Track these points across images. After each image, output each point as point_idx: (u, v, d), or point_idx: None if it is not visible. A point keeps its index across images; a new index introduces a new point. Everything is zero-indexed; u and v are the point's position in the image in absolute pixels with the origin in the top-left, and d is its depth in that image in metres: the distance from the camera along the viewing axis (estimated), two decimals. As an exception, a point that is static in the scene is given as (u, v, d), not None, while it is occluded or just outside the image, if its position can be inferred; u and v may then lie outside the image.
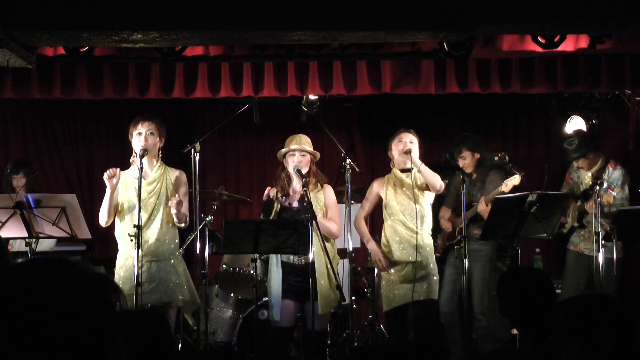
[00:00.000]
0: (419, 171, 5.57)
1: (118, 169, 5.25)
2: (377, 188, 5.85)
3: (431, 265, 5.66)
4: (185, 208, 5.36)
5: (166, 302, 5.24)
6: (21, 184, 6.70)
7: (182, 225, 5.36)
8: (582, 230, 6.48)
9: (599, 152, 6.54)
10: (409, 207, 5.64)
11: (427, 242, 5.68)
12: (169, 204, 5.27)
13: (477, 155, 6.29)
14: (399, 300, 5.63)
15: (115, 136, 7.62)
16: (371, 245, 5.83)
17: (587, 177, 6.49)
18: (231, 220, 6.18)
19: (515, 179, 6.03)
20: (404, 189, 5.69)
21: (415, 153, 5.64)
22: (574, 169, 6.62)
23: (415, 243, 5.58)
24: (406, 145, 5.65)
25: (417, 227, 5.59)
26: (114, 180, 5.20)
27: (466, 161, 6.28)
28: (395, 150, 5.73)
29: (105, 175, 5.20)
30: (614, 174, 6.40)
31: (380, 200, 5.83)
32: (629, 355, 2.14)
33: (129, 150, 5.48)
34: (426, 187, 5.66)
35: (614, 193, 6.12)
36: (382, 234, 5.79)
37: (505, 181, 6.09)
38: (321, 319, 5.40)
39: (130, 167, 5.40)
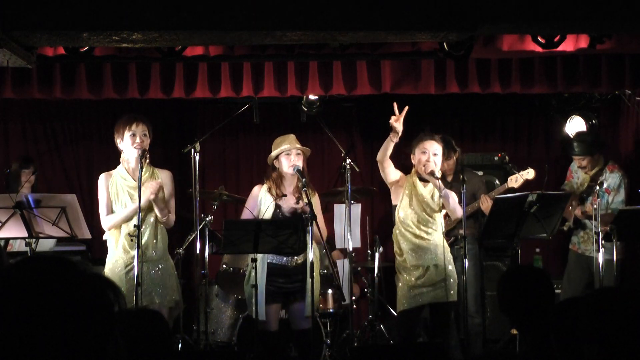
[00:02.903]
0: (441, 196, 5.45)
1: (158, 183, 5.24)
2: (403, 180, 5.63)
3: (449, 267, 5.53)
4: (172, 207, 5.36)
5: (158, 302, 5.24)
6: (30, 180, 6.68)
7: (164, 219, 5.30)
8: (581, 232, 6.48)
9: (601, 156, 6.54)
10: (423, 217, 5.54)
11: (442, 244, 5.55)
12: (148, 188, 5.18)
13: (457, 156, 6.28)
14: (417, 301, 5.51)
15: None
16: (392, 133, 5.41)
17: (586, 179, 6.50)
18: (231, 220, 6.17)
19: (530, 174, 6.05)
20: (420, 199, 5.56)
21: (439, 162, 5.53)
22: (575, 169, 6.63)
23: (429, 248, 5.51)
24: (429, 162, 5.48)
25: (429, 234, 5.51)
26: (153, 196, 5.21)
27: (450, 162, 6.28)
28: (418, 159, 5.55)
29: (153, 189, 5.17)
30: (610, 177, 6.40)
31: (397, 186, 5.64)
32: None
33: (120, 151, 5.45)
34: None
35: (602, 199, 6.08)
36: (394, 241, 5.66)
37: (514, 176, 6.11)
38: (309, 318, 5.41)
39: (117, 169, 5.38)
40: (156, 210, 5.26)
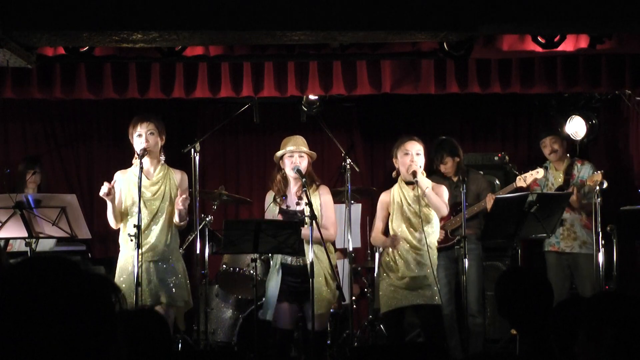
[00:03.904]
0: (425, 195, 5.41)
1: (111, 184, 5.28)
2: (385, 204, 5.66)
3: (434, 273, 5.51)
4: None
5: (166, 302, 5.27)
6: (35, 180, 6.68)
7: (182, 224, 5.39)
8: (560, 228, 6.47)
9: (567, 154, 6.69)
10: (415, 222, 5.50)
11: (432, 252, 5.51)
12: (176, 203, 5.28)
13: (457, 159, 6.29)
14: (398, 303, 5.50)
15: (115, 136, 7.62)
16: (388, 241, 5.56)
17: (559, 177, 6.57)
18: (231, 220, 6.18)
19: (540, 173, 6.10)
20: (410, 202, 5.53)
21: (422, 162, 5.52)
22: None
23: (419, 259, 5.46)
24: (412, 162, 5.46)
25: (422, 242, 5.46)
26: (110, 196, 5.25)
27: (447, 166, 6.28)
28: (402, 162, 5.54)
29: (102, 193, 5.24)
30: (583, 169, 6.53)
31: (389, 215, 5.68)
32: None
33: (129, 150, 5.50)
34: None
35: (598, 172, 6.16)
36: (389, 252, 5.59)
37: (523, 175, 6.12)
38: (320, 319, 5.40)
39: (132, 167, 5.42)
40: (176, 218, 5.33)
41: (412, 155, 5.50)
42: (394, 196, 5.61)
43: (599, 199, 5.99)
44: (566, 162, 6.63)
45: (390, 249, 5.55)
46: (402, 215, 5.54)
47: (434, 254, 5.54)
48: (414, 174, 5.42)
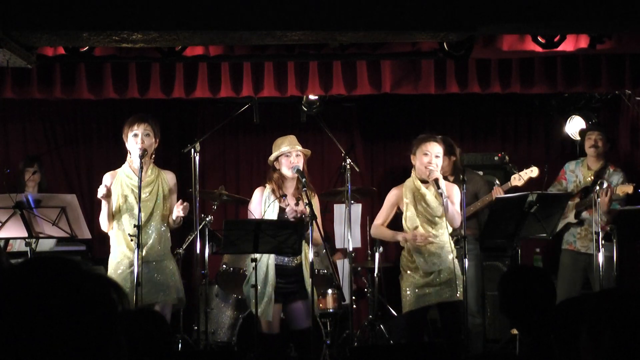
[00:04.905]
0: (443, 204, 5.40)
1: (108, 186, 5.33)
2: (395, 199, 5.66)
3: (456, 267, 5.53)
4: None
5: (162, 300, 5.30)
6: (35, 179, 6.69)
7: (177, 226, 5.45)
8: (578, 228, 6.47)
9: (604, 156, 6.63)
10: (429, 217, 5.52)
11: (448, 246, 5.54)
12: (177, 208, 5.31)
13: (454, 159, 6.28)
14: (423, 302, 5.51)
15: (115, 136, 7.57)
16: (402, 236, 5.57)
17: (588, 176, 6.54)
18: (231, 220, 6.18)
19: (534, 172, 6.11)
20: (424, 199, 5.54)
21: (440, 163, 5.52)
22: (570, 169, 6.64)
23: (438, 252, 5.49)
24: (430, 165, 5.46)
25: (437, 237, 5.49)
26: (109, 197, 5.32)
27: (443, 165, 6.28)
28: (419, 160, 5.53)
29: (100, 195, 5.29)
30: (614, 175, 6.46)
31: (397, 211, 5.69)
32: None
33: (127, 150, 5.49)
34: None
35: (630, 185, 6.16)
36: (405, 246, 5.63)
37: (517, 174, 6.14)
38: (307, 319, 5.41)
39: (123, 167, 5.43)
40: (171, 220, 5.39)
41: (432, 156, 5.49)
42: (406, 193, 5.59)
43: (599, 199, 5.98)
44: (600, 164, 6.57)
45: (407, 249, 5.56)
46: (417, 211, 5.53)
47: (451, 244, 5.57)
48: (437, 181, 5.41)
